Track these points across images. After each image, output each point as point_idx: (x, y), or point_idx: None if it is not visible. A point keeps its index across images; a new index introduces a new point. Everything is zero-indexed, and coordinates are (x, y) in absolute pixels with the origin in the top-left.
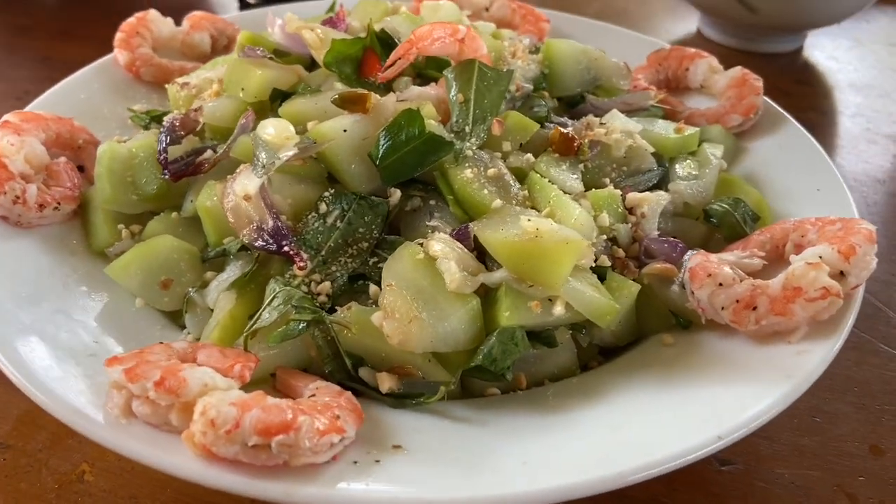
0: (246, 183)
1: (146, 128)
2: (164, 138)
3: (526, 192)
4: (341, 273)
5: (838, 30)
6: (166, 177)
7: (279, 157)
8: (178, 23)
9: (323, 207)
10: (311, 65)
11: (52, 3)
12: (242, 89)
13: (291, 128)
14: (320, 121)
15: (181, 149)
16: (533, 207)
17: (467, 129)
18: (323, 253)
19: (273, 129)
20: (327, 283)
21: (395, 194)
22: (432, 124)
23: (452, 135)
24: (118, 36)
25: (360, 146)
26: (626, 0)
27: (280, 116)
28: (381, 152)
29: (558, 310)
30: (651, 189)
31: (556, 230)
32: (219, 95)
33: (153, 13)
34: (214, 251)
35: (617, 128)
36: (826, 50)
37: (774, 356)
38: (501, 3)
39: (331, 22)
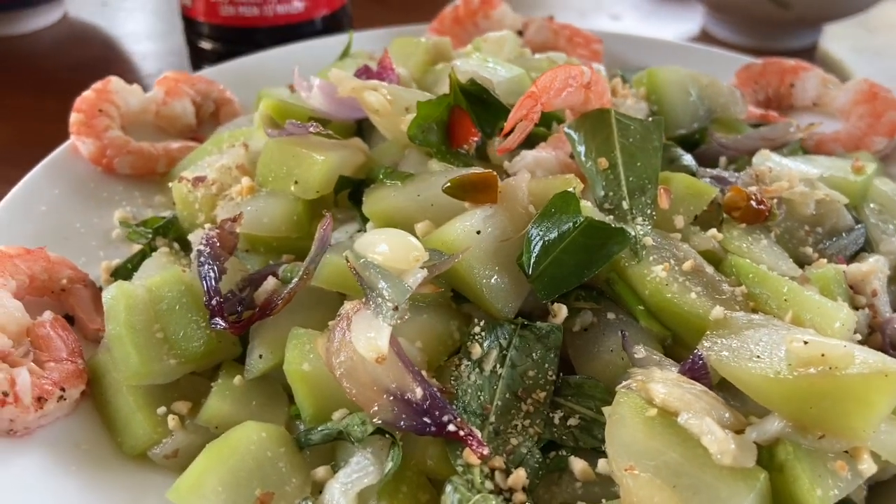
0: (371, 336)
1: (150, 248)
2: (208, 271)
3: (743, 287)
4: (529, 448)
5: (852, 20)
6: (218, 327)
7: (408, 286)
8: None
9: (476, 350)
10: (357, 132)
11: None
12: (296, 182)
13: (416, 242)
14: (434, 221)
15: (229, 280)
16: (755, 310)
17: (624, 204)
18: (492, 420)
19: (387, 247)
20: (522, 472)
21: (561, 312)
22: (587, 206)
23: (610, 217)
24: (75, 118)
25: (498, 251)
26: (615, 4)
27: (364, 215)
28: (533, 256)
29: (868, 467)
30: (856, 255)
31: (859, 356)
32: (253, 192)
33: (116, 81)
34: (321, 434)
35: (795, 176)
36: (844, 41)
37: None
38: (539, 24)
39: (373, 74)
